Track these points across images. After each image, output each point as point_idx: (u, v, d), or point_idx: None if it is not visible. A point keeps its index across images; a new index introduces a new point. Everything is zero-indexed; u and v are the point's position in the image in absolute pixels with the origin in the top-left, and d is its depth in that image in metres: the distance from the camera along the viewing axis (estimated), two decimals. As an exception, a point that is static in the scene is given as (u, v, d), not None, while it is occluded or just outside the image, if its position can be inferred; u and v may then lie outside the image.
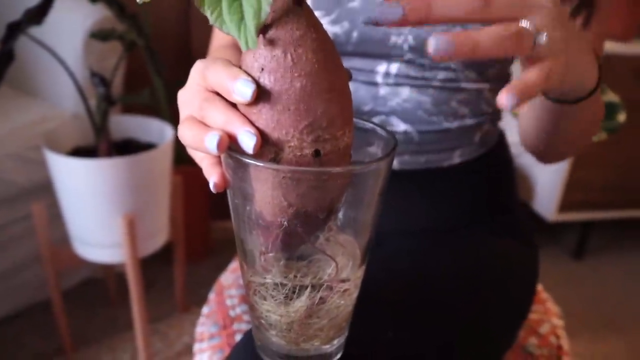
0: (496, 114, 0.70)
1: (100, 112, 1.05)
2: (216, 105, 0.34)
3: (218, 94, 0.35)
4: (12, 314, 1.39)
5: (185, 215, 1.38)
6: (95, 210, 1.09)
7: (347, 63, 0.62)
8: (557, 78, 0.35)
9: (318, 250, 0.37)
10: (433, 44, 0.31)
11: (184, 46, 1.72)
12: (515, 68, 0.60)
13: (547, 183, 1.80)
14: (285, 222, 0.34)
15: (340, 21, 0.60)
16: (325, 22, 0.60)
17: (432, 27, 0.55)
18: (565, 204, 1.78)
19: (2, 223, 1.28)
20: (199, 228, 1.65)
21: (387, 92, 0.63)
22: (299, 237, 0.36)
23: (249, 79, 0.32)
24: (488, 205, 0.69)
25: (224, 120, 0.33)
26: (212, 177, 0.35)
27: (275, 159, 0.33)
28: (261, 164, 0.32)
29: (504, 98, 0.32)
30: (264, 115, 0.32)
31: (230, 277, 0.82)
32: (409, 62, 0.61)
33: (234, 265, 0.85)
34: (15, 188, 1.26)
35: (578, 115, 0.50)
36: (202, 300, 1.54)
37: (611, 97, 1.38)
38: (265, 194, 0.33)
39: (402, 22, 0.31)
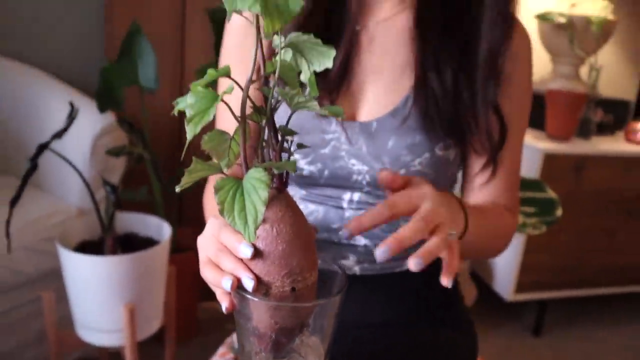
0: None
1: (108, 214, 1.22)
2: (227, 256, 0.51)
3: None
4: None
5: (176, 299, 1.53)
6: (100, 300, 1.24)
7: (320, 191, 0.81)
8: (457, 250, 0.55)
9: (294, 350, 0.54)
10: (378, 256, 0.51)
11: (177, 149, 1.93)
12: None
13: (503, 266, 1.99)
14: (273, 334, 0.51)
15: (315, 162, 0.78)
16: (303, 163, 0.79)
17: (381, 163, 0.75)
18: (521, 285, 1.97)
19: (9, 307, 1.42)
20: (188, 310, 1.79)
21: (351, 215, 0.81)
22: (282, 343, 0.53)
23: (249, 243, 0.49)
24: (432, 303, 0.86)
25: (232, 267, 0.50)
26: (224, 303, 0.52)
27: (266, 294, 0.50)
28: (256, 299, 0.50)
29: (411, 263, 0.51)
30: (258, 266, 0.50)
31: (218, 361, 0.95)
32: (367, 192, 0.79)
33: (222, 349, 0.98)
34: (25, 277, 1.41)
35: (464, 247, 0.68)
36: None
37: (550, 194, 1.60)
38: (260, 316, 0.51)
39: (350, 237, 0.53)
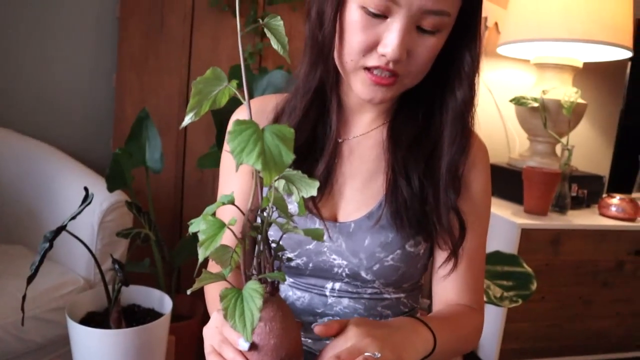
0: (412, 312, 0.99)
1: (115, 289, 1.33)
2: (228, 347, 0.63)
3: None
4: None
5: (174, 367, 1.62)
6: (104, 369, 1.33)
7: (306, 280, 0.92)
8: None
9: None
10: None
11: (177, 224, 2.06)
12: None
13: (487, 335, 2.08)
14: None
15: (301, 257, 0.90)
16: (291, 256, 0.91)
17: (358, 267, 0.87)
18: (505, 353, 2.06)
19: (16, 375, 1.50)
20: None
21: (333, 301, 0.92)
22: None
23: (246, 340, 0.61)
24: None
25: (232, 357, 0.62)
26: None
27: (260, 380, 0.62)
28: (253, 385, 0.61)
29: None
30: (254, 356, 0.61)
31: None
32: (347, 282, 0.91)
33: None
34: (34, 345, 1.50)
35: (438, 355, 0.78)
36: None
37: (526, 269, 1.71)
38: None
39: None
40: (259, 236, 0.63)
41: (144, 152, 1.66)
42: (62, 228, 1.22)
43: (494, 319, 2.01)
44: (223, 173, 0.97)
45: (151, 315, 1.44)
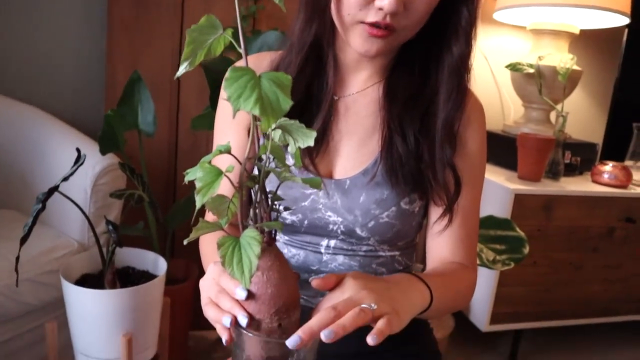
0: (406, 270, 1.00)
1: (109, 250, 1.32)
2: (225, 297, 0.63)
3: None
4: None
5: (170, 329, 1.62)
6: (99, 330, 1.34)
7: (301, 238, 0.93)
8: (397, 322, 0.64)
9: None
10: (324, 337, 0.57)
11: (171, 187, 2.05)
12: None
13: (479, 298, 2.11)
14: (262, 363, 0.63)
15: (296, 214, 0.90)
16: (286, 214, 0.91)
17: (354, 224, 0.87)
18: (496, 316, 2.09)
19: (11, 336, 1.51)
20: (180, 339, 1.88)
21: (328, 258, 0.93)
22: (270, 371, 0.64)
23: (244, 288, 0.61)
24: (402, 335, 0.97)
25: (229, 307, 0.62)
26: (224, 336, 0.63)
27: (257, 329, 0.62)
28: (250, 334, 0.61)
29: (369, 338, 0.60)
30: (251, 306, 0.61)
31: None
32: (342, 239, 0.91)
33: None
34: (29, 307, 1.50)
35: (434, 312, 0.79)
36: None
37: (518, 232, 1.73)
38: (252, 348, 0.62)
39: (301, 345, 0.57)
40: (256, 187, 0.62)
41: (136, 114, 1.64)
42: (55, 189, 1.21)
43: (486, 283, 2.04)
44: (218, 127, 0.96)
45: (146, 277, 1.44)
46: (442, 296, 0.79)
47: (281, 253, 0.64)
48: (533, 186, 2.02)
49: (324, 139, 0.90)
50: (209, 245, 0.92)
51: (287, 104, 0.53)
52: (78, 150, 1.30)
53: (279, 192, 0.86)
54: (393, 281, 0.73)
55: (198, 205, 0.55)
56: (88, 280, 1.41)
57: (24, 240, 1.21)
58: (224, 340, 0.63)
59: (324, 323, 0.60)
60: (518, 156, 2.09)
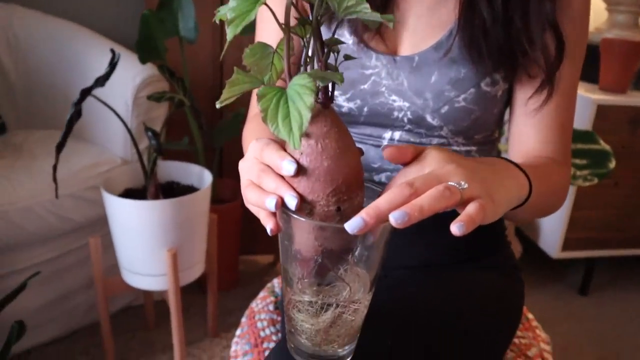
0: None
1: (150, 160, 1.22)
2: (269, 176, 0.50)
3: (270, 167, 0.50)
4: (63, 335, 1.56)
5: (218, 249, 1.54)
6: (143, 244, 1.26)
7: (360, 130, 0.78)
8: (492, 209, 0.49)
9: (339, 278, 0.52)
10: (393, 220, 0.43)
11: (216, 96, 1.92)
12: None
13: (550, 223, 1.93)
14: (317, 258, 0.50)
15: (354, 99, 0.76)
16: (341, 100, 0.76)
17: (423, 109, 0.72)
18: (568, 243, 1.91)
19: (58, 254, 1.46)
20: (229, 261, 1.81)
21: (392, 154, 0.78)
22: (326, 268, 0.51)
23: (293, 160, 0.47)
24: (478, 246, 0.83)
25: (274, 187, 0.49)
26: (269, 224, 0.50)
27: (310, 214, 0.48)
28: (300, 218, 0.48)
29: (453, 227, 0.45)
30: (302, 184, 0.48)
31: (260, 303, 0.95)
32: (408, 130, 0.76)
33: (263, 294, 0.99)
34: (72, 224, 1.44)
35: (529, 209, 0.63)
36: (229, 327, 1.70)
37: (603, 146, 1.53)
38: (303, 237, 0.49)
39: (364, 229, 0.43)
40: (308, 36, 0.48)
41: (176, 20, 1.51)
42: (88, 91, 1.10)
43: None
44: (259, 26, 0.83)
45: (190, 191, 1.34)
46: (539, 191, 0.63)
47: (340, 119, 0.50)
48: (618, 97, 1.79)
49: (388, 5, 0.74)
50: (252, 135, 0.79)
51: None
52: (112, 51, 1.19)
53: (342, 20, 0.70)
54: (487, 162, 0.57)
55: (229, 37, 0.41)
56: (131, 195, 1.33)
57: (60, 147, 1.13)
58: (268, 230, 0.50)
59: (396, 202, 0.44)
60: (601, 64, 1.85)
